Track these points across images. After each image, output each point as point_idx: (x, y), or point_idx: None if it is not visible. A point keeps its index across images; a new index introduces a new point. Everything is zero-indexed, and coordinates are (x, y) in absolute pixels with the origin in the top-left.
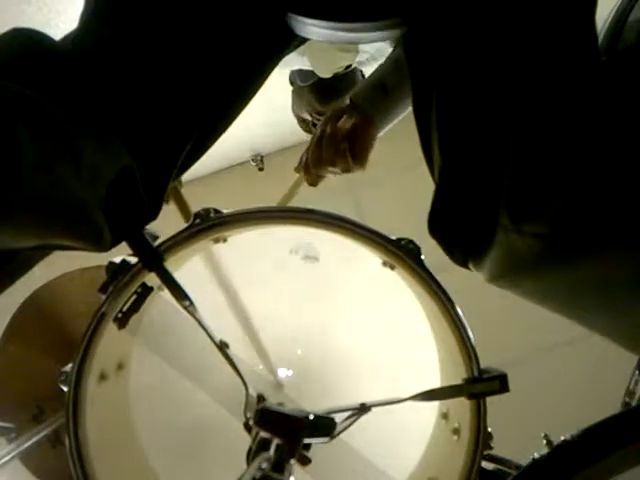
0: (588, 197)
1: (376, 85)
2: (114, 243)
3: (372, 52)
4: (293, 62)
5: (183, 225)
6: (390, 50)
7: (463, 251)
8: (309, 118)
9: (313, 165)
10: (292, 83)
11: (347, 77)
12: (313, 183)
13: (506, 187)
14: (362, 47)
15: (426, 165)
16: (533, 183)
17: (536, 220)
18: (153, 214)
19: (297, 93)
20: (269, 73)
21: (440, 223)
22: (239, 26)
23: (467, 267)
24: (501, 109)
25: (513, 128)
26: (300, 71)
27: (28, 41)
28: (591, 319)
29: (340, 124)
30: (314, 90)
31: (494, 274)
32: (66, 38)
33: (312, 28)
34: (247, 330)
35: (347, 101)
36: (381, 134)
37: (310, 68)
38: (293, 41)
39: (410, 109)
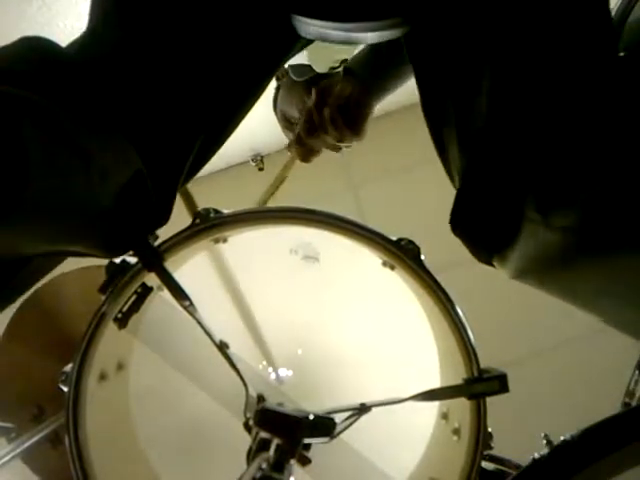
0: (618, 189)
1: (372, 51)
2: (125, 249)
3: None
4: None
5: (183, 225)
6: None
7: (488, 248)
8: (296, 115)
9: (305, 135)
10: (279, 78)
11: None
12: (305, 158)
13: (533, 179)
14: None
15: (441, 162)
16: (562, 175)
17: (565, 213)
18: (163, 219)
19: (287, 88)
20: (274, 74)
21: (464, 221)
22: (245, 28)
23: (491, 264)
24: (523, 102)
25: (538, 121)
26: (295, 66)
27: (37, 49)
28: (617, 314)
29: (336, 93)
30: (308, 87)
31: (520, 270)
32: (74, 44)
33: (314, 28)
34: (247, 330)
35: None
36: (378, 104)
37: (308, 62)
38: (297, 42)
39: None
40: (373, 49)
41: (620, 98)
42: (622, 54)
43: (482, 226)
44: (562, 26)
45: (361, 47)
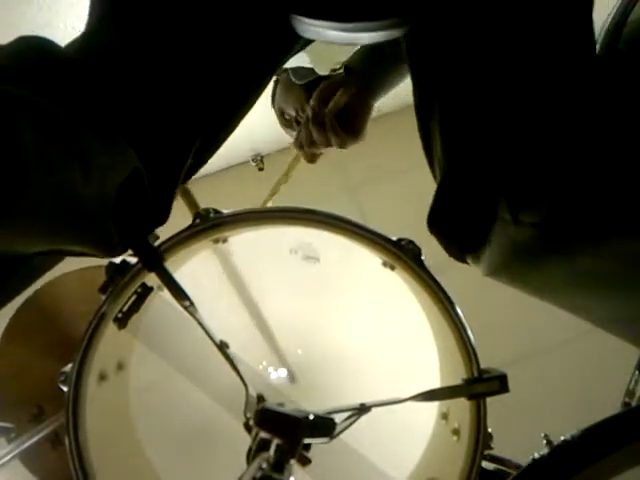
0: (584, 186)
1: (371, 50)
2: (124, 249)
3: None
4: (292, 59)
5: (183, 225)
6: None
7: (461, 245)
8: (293, 114)
9: (307, 145)
10: (278, 74)
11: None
12: (311, 161)
13: (506, 178)
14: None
15: (426, 162)
16: (532, 174)
17: (533, 209)
18: (162, 219)
19: (286, 86)
20: (273, 74)
21: (440, 218)
22: (244, 28)
23: (465, 262)
24: (501, 105)
25: (513, 123)
26: (296, 69)
27: (34, 48)
28: (590, 311)
29: (335, 100)
30: (307, 91)
31: (492, 267)
32: (72, 44)
33: (313, 28)
34: (247, 330)
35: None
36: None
37: (309, 65)
38: (297, 43)
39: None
40: (373, 48)
41: (594, 100)
42: (598, 54)
43: (457, 223)
44: (543, 27)
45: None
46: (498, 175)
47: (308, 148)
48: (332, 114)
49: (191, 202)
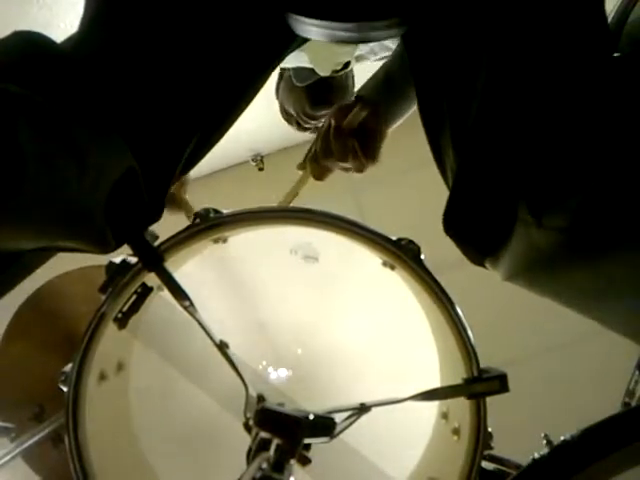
0: (611, 190)
1: (383, 80)
2: (117, 245)
3: (372, 45)
4: (293, 59)
5: (183, 225)
6: (390, 43)
7: (480, 249)
8: (293, 114)
9: (322, 156)
10: (282, 74)
11: (341, 85)
12: (319, 177)
13: (526, 181)
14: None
15: (435, 164)
16: (555, 175)
17: (557, 213)
18: (156, 216)
19: (288, 86)
20: (270, 73)
21: (456, 221)
22: (240, 26)
23: (483, 265)
24: (517, 103)
25: (531, 121)
26: (298, 70)
27: (30, 43)
28: (610, 316)
29: (349, 119)
30: (308, 93)
31: (512, 271)
32: (68, 40)
33: (312, 28)
34: (247, 330)
35: (353, 98)
36: (390, 130)
37: (309, 65)
38: (294, 41)
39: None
40: (384, 75)
41: (613, 100)
42: (618, 55)
43: (474, 227)
44: (556, 27)
45: (361, 47)
46: (517, 177)
47: (323, 161)
48: (354, 126)
49: (187, 208)
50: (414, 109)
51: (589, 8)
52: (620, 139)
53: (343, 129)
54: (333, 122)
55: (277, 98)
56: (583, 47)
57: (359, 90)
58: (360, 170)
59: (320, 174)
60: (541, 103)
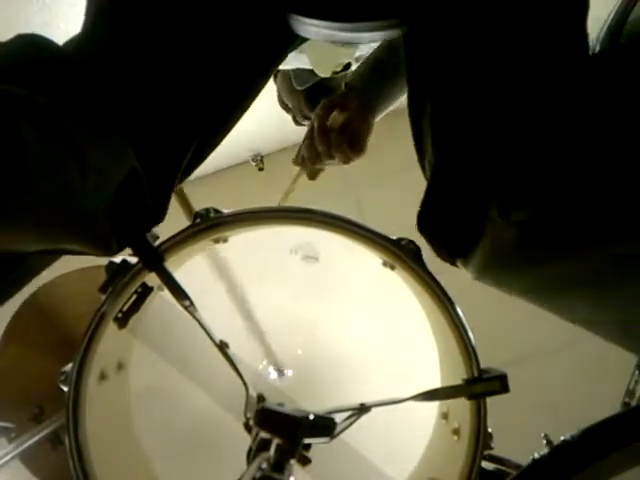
0: (572, 189)
1: (372, 67)
2: (120, 248)
3: (373, 45)
4: (293, 60)
5: (183, 225)
6: None
7: (451, 248)
8: (290, 108)
9: (309, 160)
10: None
11: (340, 88)
12: (312, 177)
13: (497, 179)
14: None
15: (418, 162)
16: (524, 174)
17: (521, 208)
18: (159, 217)
19: (287, 85)
20: (271, 73)
21: (430, 220)
22: (241, 27)
23: (454, 264)
24: (492, 105)
25: (504, 123)
26: (298, 73)
27: (33, 46)
28: (576, 315)
29: (333, 116)
30: (307, 95)
31: (480, 270)
32: (70, 42)
33: (312, 28)
34: (247, 330)
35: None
36: (378, 119)
37: (309, 67)
38: (294, 42)
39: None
40: (374, 63)
41: (582, 99)
42: (591, 54)
43: (447, 226)
44: (534, 27)
45: (361, 48)
46: (489, 175)
47: (311, 163)
48: (335, 128)
49: (186, 206)
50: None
51: (569, 10)
52: (587, 137)
53: (327, 128)
54: (318, 123)
55: (277, 91)
56: (558, 48)
57: (347, 78)
58: (347, 162)
59: (312, 174)
60: (514, 103)
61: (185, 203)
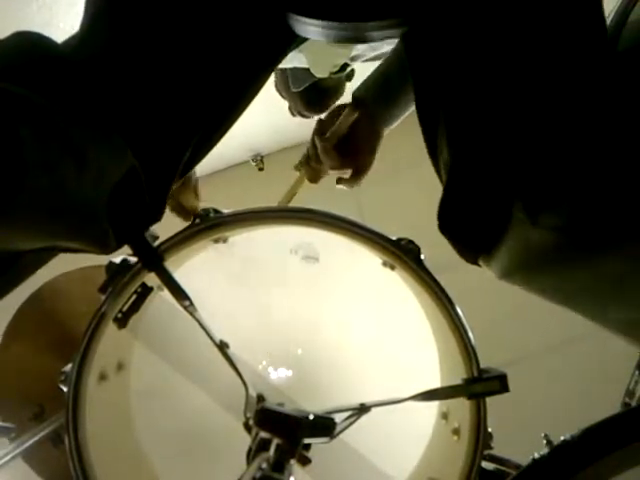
0: (607, 189)
1: (379, 80)
2: (118, 245)
3: (372, 46)
4: (291, 59)
5: (183, 225)
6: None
7: (474, 247)
8: (286, 100)
9: (314, 161)
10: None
11: (336, 89)
12: (314, 180)
13: (521, 179)
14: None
15: (431, 162)
16: (551, 174)
17: (553, 212)
18: (157, 216)
19: (285, 84)
20: (270, 73)
21: (450, 220)
22: (240, 27)
23: (477, 264)
24: (513, 103)
25: (527, 121)
26: (295, 72)
27: (31, 44)
28: (607, 316)
29: (336, 126)
30: (303, 95)
31: (507, 270)
32: (68, 41)
33: (311, 28)
34: (247, 330)
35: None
36: (387, 131)
37: (306, 66)
38: (294, 41)
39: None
40: (381, 75)
41: (609, 98)
42: (615, 54)
43: (469, 225)
44: (554, 27)
45: (357, 48)
46: (512, 175)
47: (315, 164)
48: (334, 137)
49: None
50: (413, 109)
51: (587, 9)
52: (615, 138)
53: (328, 138)
54: (316, 127)
55: (275, 83)
56: (579, 47)
57: (355, 91)
58: (358, 173)
59: (314, 177)
60: (537, 102)
61: (185, 212)
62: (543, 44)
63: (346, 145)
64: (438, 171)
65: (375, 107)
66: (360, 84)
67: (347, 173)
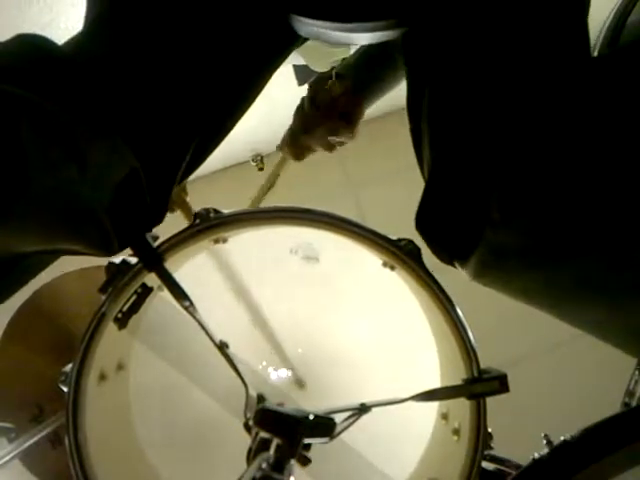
0: (579, 196)
1: (363, 57)
2: (120, 248)
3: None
4: (289, 58)
5: (183, 225)
6: None
7: (450, 249)
8: None
9: (300, 131)
10: None
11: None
12: (298, 157)
13: (498, 182)
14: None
15: (416, 160)
16: (526, 178)
17: (526, 214)
18: (158, 218)
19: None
20: (272, 74)
21: (428, 220)
22: (241, 27)
23: (453, 265)
24: (492, 105)
25: (504, 124)
26: (297, 69)
27: (33, 46)
28: (579, 319)
29: (323, 92)
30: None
31: (479, 271)
32: (70, 42)
33: (312, 28)
34: (247, 330)
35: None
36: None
37: (304, 63)
38: (295, 42)
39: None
40: (364, 54)
41: (585, 102)
42: (595, 56)
43: (445, 226)
44: (536, 28)
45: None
46: (488, 177)
47: (301, 135)
48: (326, 100)
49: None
50: (399, 94)
51: (570, 15)
52: (592, 142)
53: (317, 102)
54: (308, 94)
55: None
56: (559, 48)
57: (338, 68)
58: (335, 136)
59: (298, 154)
60: (517, 106)
61: (186, 210)
62: (527, 49)
63: (335, 105)
64: (422, 170)
65: (358, 83)
66: (342, 65)
67: (336, 140)
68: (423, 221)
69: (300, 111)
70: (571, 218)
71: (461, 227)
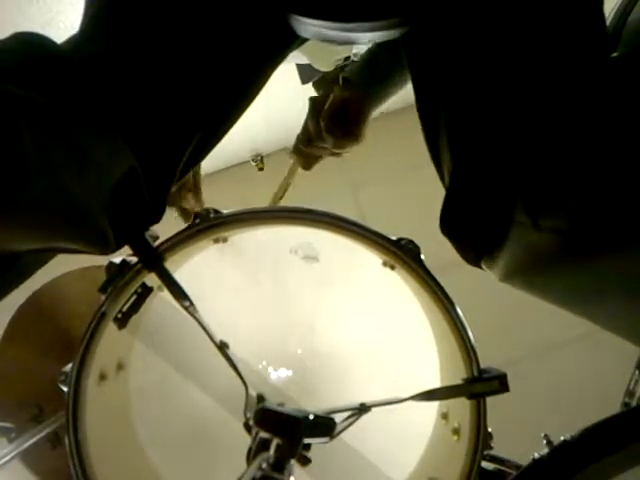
0: (608, 192)
1: (368, 61)
2: (118, 246)
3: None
4: (291, 57)
5: (183, 225)
6: None
7: (476, 250)
8: None
9: (304, 146)
10: None
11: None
12: (307, 166)
13: (522, 182)
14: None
15: (432, 163)
16: (552, 177)
17: (554, 215)
18: (157, 216)
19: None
20: (271, 73)
21: (453, 222)
22: (240, 27)
23: (479, 266)
24: (514, 105)
25: (528, 123)
26: (302, 68)
27: (31, 45)
28: (608, 317)
29: (330, 100)
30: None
31: (508, 272)
32: (69, 41)
33: (312, 28)
34: (247, 330)
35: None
36: (376, 113)
37: (307, 62)
38: (295, 41)
39: (405, 87)
40: (369, 59)
41: (610, 100)
42: (615, 55)
43: (470, 227)
44: (555, 28)
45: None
46: (513, 178)
47: (305, 149)
48: (329, 113)
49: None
50: (398, 93)
51: (587, 9)
52: (617, 140)
53: (321, 113)
54: (309, 108)
55: None
56: (580, 48)
57: (344, 72)
58: (338, 145)
59: (306, 163)
60: (538, 103)
61: (186, 213)
62: (544, 45)
63: (339, 119)
64: (440, 172)
65: (363, 88)
66: (350, 65)
67: (341, 152)
68: (448, 222)
69: (306, 126)
70: (599, 219)
71: (488, 225)
